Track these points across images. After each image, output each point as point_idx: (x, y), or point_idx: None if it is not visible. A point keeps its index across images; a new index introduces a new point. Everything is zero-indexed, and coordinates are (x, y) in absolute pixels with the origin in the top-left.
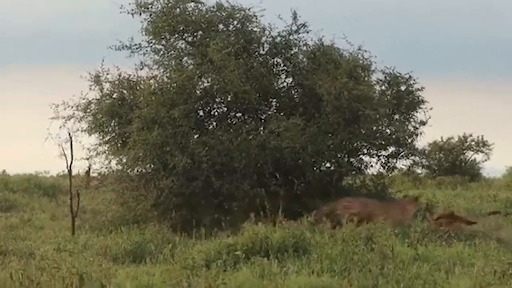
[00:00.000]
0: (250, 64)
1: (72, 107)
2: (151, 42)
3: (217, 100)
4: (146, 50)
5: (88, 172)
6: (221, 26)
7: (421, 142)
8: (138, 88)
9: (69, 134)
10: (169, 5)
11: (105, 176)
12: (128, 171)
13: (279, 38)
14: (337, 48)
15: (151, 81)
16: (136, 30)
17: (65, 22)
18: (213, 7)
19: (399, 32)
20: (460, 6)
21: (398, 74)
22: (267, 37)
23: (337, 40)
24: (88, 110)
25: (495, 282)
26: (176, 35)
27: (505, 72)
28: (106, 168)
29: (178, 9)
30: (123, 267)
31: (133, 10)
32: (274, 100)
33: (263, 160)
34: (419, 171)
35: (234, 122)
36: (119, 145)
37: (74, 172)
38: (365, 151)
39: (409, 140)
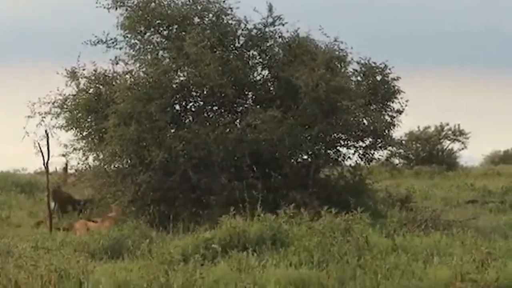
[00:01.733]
0: (226, 57)
1: (48, 103)
2: (127, 37)
3: (193, 94)
4: (122, 45)
5: (65, 168)
6: (196, 19)
7: (398, 133)
8: (114, 83)
9: (46, 131)
10: None
11: (82, 173)
12: (105, 167)
13: (254, 31)
14: (313, 40)
15: (127, 76)
16: (112, 24)
17: (40, 17)
18: (189, 0)
19: (373, 23)
20: None
21: (373, 65)
22: (242, 30)
23: (313, 31)
24: (65, 106)
25: (474, 271)
26: (152, 30)
27: (481, 61)
28: (83, 164)
29: (153, 3)
30: (101, 263)
31: (109, 4)
32: (251, 93)
33: (241, 153)
34: (396, 161)
35: (210, 116)
36: (96, 141)
37: (51, 169)
38: (343, 142)
39: (386, 131)
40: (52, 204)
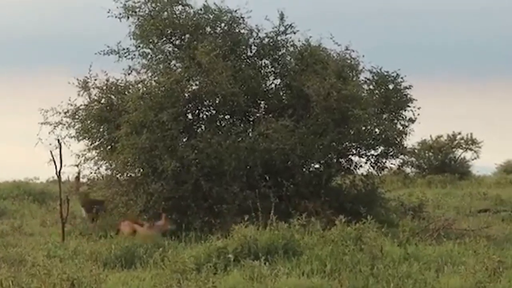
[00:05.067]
0: (238, 66)
1: (60, 113)
2: (139, 46)
3: (205, 103)
4: (134, 55)
5: (77, 177)
6: (208, 28)
7: (411, 141)
8: (126, 93)
9: (58, 140)
10: (157, 8)
11: (94, 182)
12: (118, 176)
13: (266, 40)
14: (324, 48)
15: (139, 85)
16: (123, 34)
17: (53, 26)
18: (201, 9)
19: (386, 32)
20: (450, 7)
21: (385, 73)
22: (254, 38)
23: (324, 40)
24: (77, 117)
25: (486, 280)
26: (164, 39)
27: (493, 70)
28: (95, 173)
29: (165, 13)
30: (113, 272)
31: (120, 14)
32: (263, 101)
33: (253, 162)
34: (408, 170)
35: (223, 125)
36: (108, 150)
37: (63, 178)
38: (354, 151)
39: (398, 139)
40: (83, 212)
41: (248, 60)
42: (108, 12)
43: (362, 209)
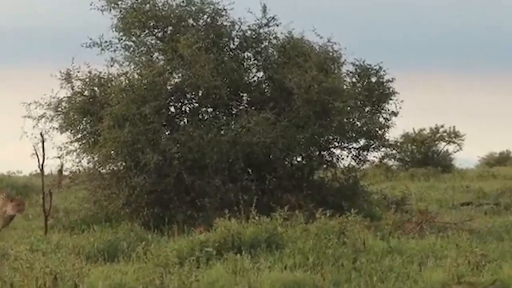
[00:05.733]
0: (221, 59)
1: (43, 106)
2: (121, 39)
3: (188, 95)
4: (117, 47)
5: (60, 171)
6: (191, 21)
7: (393, 134)
8: (109, 85)
9: (41, 133)
10: (139, 1)
11: (76, 175)
12: (100, 169)
13: (249, 32)
14: (307, 41)
15: (122, 78)
16: (106, 27)
17: (35, 19)
18: (183, 1)
19: (368, 27)
20: (432, 1)
21: (368, 66)
22: (237, 31)
23: (307, 33)
24: (59, 109)
25: (468, 273)
26: (146, 31)
27: (476, 63)
28: (77, 166)
29: (147, 5)
30: (96, 266)
31: (103, 6)
32: (245, 94)
33: (235, 155)
34: (391, 163)
35: (205, 118)
36: (90, 143)
37: (46, 172)
38: (336, 144)
39: (380, 132)
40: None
41: (230, 53)
42: (91, 4)
43: (344, 203)
